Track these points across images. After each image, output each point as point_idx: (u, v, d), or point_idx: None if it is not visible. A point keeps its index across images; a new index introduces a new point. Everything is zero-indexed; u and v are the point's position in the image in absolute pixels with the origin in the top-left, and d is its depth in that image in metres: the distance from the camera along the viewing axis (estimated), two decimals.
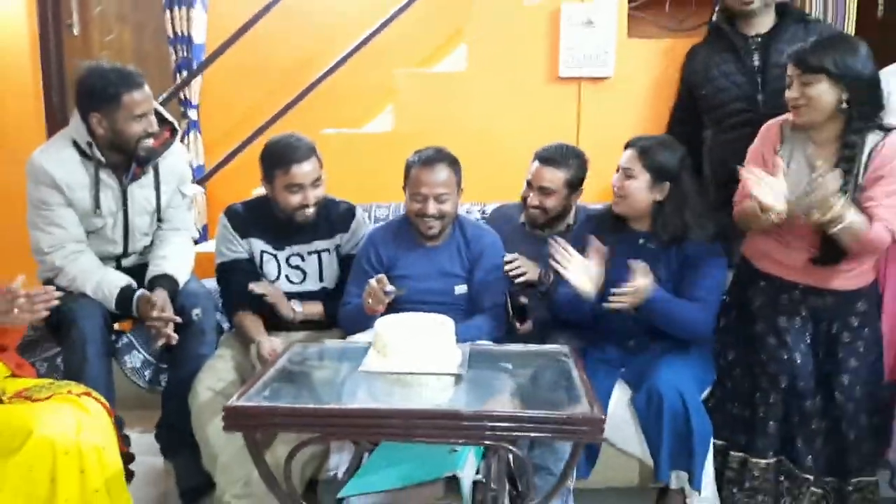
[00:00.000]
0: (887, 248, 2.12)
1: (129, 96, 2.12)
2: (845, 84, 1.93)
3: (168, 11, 3.67)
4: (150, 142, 2.21)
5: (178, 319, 2.15)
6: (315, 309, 2.39)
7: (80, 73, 2.19)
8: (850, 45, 1.96)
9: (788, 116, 2.08)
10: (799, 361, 2.06)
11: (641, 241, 2.25)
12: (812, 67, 1.94)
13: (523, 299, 2.38)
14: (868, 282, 2.12)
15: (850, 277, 2.08)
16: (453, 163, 2.30)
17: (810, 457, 2.06)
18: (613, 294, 2.04)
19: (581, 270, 2.10)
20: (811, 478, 2.06)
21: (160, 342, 2.15)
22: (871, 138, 1.97)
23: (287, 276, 2.40)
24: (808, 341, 2.10)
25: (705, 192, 2.45)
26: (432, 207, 2.25)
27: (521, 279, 2.37)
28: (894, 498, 2.29)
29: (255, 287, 2.28)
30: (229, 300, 2.39)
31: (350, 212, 2.47)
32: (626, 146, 2.27)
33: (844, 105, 1.95)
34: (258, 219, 2.38)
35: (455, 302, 2.32)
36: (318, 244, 2.41)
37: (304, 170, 2.24)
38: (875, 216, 1.93)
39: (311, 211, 2.29)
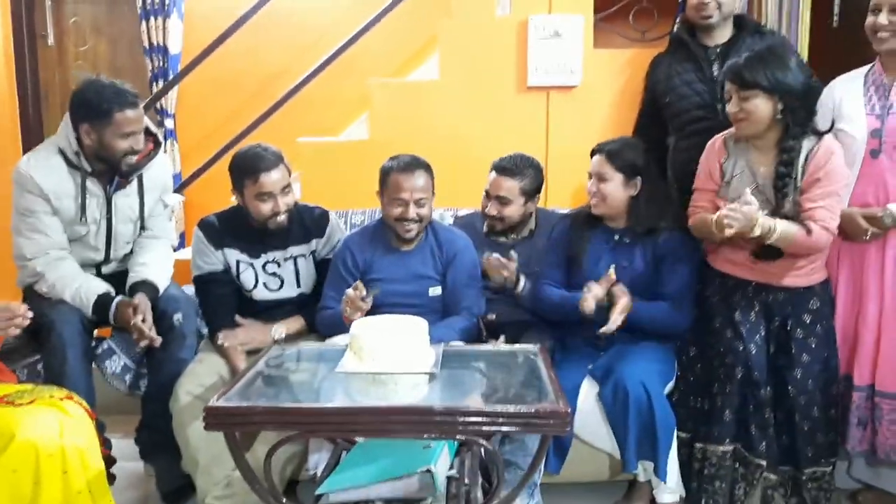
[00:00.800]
0: (839, 247, 2.25)
1: (122, 114, 2.17)
2: (779, 96, 2.07)
3: (144, 22, 3.69)
4: (133, 158, 2.25)
5: (155, 338, 2.18)
6: (296, 325, 2.43)
7: (78, 84, 2.25)
8: (779, 59, 2.09)
9: (732, 130, 2.22)
10: (753, 353, 2.17)
11: (617, 237, 2.38)
12: (747, 83, 2.08)
13: (491, 316, 2.46)
14: (819, 280, 2.23)
15: (800, 275, 2.19)
16: (428, 168, 2.39)
17: (764, 443, 2.15)
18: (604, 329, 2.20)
19: (594, 296, 2.20)
20: (764, 463, 2.15)
21: (143, 343, 2.19)
22: (807, 143, 2.11)
23: (265, 284, 2.44)
24: (763, 334, 2.20)
25: (669, 189, 2.57)
26: (412, 211, 2.32)
27: (498, 278, 2.43)
28: (851, 489, 2.40)
29: (225, 340, 2.29)
30: (208, 314, 2.42)
31: (324, 216, 2.52)
32: (593, 153, 2.39)
33: (780, 116, 2.09)
34: (232, 228, 2.42)
35: (429, 304, 2.39)
36: (294, 250, 2.46)
37: (272, 178, 2.29)
38: (813, 217, 2.06)
39: (282, 218, 2.34)
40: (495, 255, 2.42)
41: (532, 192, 2.56)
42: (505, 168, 2.52)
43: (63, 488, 1.71)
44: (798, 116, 2.09)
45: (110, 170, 2.28)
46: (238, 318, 2.38)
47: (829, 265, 2.29)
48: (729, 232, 2.00)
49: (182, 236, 3.81)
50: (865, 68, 2.29)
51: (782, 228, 2.04)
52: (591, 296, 2.19)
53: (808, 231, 2.05)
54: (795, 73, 2.08)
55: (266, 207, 2.31)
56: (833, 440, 2.24)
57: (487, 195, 2.56)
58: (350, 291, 2.17)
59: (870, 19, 2.18)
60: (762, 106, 2.08)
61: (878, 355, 2.19)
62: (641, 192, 2.33)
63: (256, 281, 2.43)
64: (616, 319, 2.17)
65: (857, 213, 2.17)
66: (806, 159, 2.10)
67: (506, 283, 2.44)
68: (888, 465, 2.27)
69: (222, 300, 2.39)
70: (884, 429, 2.18)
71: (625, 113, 2.97)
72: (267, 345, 2.31)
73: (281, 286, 2.45)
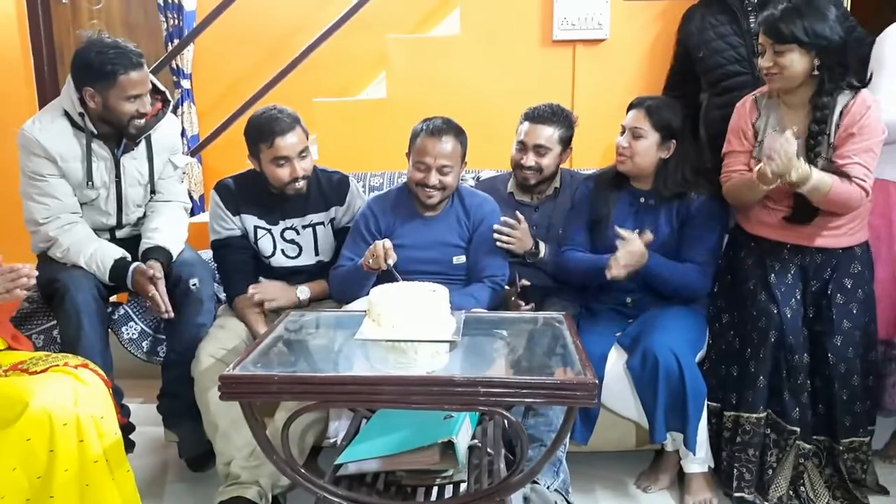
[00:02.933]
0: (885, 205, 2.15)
1: (126, 76, 2.09)
2: (816, 51, 1.96)
3: None
4: (141, 122, 2.18)
5: (168, 310, 2.14)
6: (321, 287, 2.38)
7: (79, 44, 2.17)
8: (818, 11, 1.96)
9: (762, 88, 2.11)
10: (788, 316, 2.08)
11: (642, 199, 2.29)
12: (783, 37, 1.96)
13: (526, 282, 2.38)
14: (858, 241, 2.13)
15: (838, 235, 2.09)
16: (459, 134, 2.29)
17: (797, 409, 2.09)
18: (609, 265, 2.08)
19: (631, 254, 2.09)
20: (797, 430, 2.09)
21: (163, 315, 2.15)
22: (842, 99, 2.00)
23: (283, 251, 2.39)
24: (798, 297, 2.12)
25: (701, 154, 2.46)
26: (434, 178, 2.24)
27: (506, 247, 2.35)
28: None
29: (255, 292, 2.24)
30: (226, 279, 2.37)
31: (344, 183, 2.44)
32: (631, 106, 2.30)
33: (815, 71, 1.98)
34: (250, 194, 2.35)
35: (453, 272, 2.33)
36: (313, 217, 2.39)
37: (288, 141, 2.20)
38: (848, 174, 1.96)
39: (301, 184, 2.27)
40: (502, 220, 2.33)
41: (567, 141, 2.47)
42: (541, 116, 2.42)
43: (79, 457, 1.69)
44: (834, 72, 1.98)
45: (117, 132, 2.21)
46: (262, 278, 2.33)
47: (869, 226, 2.18)
48: (773, 167, 1.88)
49: (201, 199, 3.77)
50: None
51: (818, 176, 1.92)
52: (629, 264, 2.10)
53: (840, 187, 1.94)
54: (834, 26, 1.95)
55: (283, 172, 2.23)
56: (871, 409, 2.17)
57: (522, 147, 2.45)
58: (384, 243, 2.10)
59: None
60: (797, 61, 1.97)
61: None
62: (673, 155, 2.24)
63: (274, 248, 2.38)
64: (622, 257, 2.06)
65: None
66: (840, 114, 1.99)
67: (522, 252, 2.36)
68: None
69: (240, 266, 2.34)
70: None
71: (655, 69, 2.85)
72: (291, 304, 2.29)
73: (299, 253, 2.40)
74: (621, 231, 2.11)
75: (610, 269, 2.09)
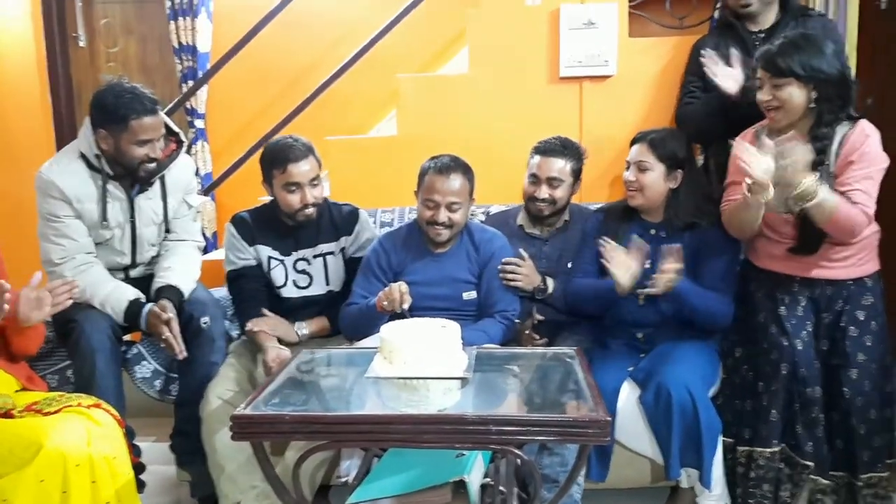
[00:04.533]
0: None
1: (138, 121, 2.14)
2: (814, 84, 1.98)
3: (173, 22, 3.70)
4: (151, 166, 2.24)
5: (181, 351, 2.17)
6: (320, 325, 2.42)
7: (100, 87, 2.23)
8: (814, 45, 1.99)
9: (763, 122, 2.13)
10: (800, 348, 2.07)
11: (653, 231, 2.30)
12: (781, 71, 1.99)
13: (539, 316, 2.39)
14: (868, 272, 2.12)
15: (846, 267, 2.09)
16: (467, 171, 2.32)
17: (811, 444, 2.06)
18: (652, 279, 2.08)
19: (624, 265, 2.12)
20: (811, 464, 2.06)
21: (178, 356, 2.17)
22: (840, 129, 2.02)
23: (294, 282, 2.42)
24: (810, 329, 2.11)
25: (709, 184, 2.46)
26: (443, 215, 2.26)
27: (513, 285, 2.36)
28: None
29: (253, 326, 2.28)
30: (241, 308, 2.40)
31: (353, 214, 2.49)
32: (634, 141, 2.32)
33: (813, 104, 2.00)
34: (264, 225, 2.41)
35: (464, 307, 2.33)
36: (323, 247, 2.43)
37: (301, 168, 2.28)
38: (851, 199, 1.96)
39: (311, 210, 2.33)
40: (505, 260, 2.35)
41: (578, 173, 2.49)
42: (552, 149, 2.45)
43: (92, 498, 1.69)
44: (832, 105, 2.00)
45: (128, 173, 2.26)
46: (264, 311, 2.36)
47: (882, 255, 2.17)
48: (757, 174, 1.89)
49: (214, 236, 3.81)
50: None
51: (826, 193, 1.91)
52: (629, 274, 2.10)
53: (852, 203, 1.94)
54: (831, 60, 1.98)
55: (294, 199, 2.29)
56: (890, 443, 2.12)
57: (535, 179, 2.46)
58: (400, 286, 2.11)
59: None
60: (796, 95, 2.00)
61: None
62: (682, 184, 2.25)
63: (286, 278, 2.42)
64: (668, 271, 2.04)
65: None
66: (840, 144, 2.01)
67: (531, 289, 2.36)
68: None
69: (255, 294, 2.38)
70: None
71: (662, 103, 2.88)
72: (290, 338, 2.32)
73: (310, 283, 2.43)
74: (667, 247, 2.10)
75: (618, 284, 2.11)
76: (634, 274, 2.11)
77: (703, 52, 2.45)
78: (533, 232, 2.55)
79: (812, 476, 2.07)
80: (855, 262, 2.10)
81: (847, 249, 2.07)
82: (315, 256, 2.43)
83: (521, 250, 2.37)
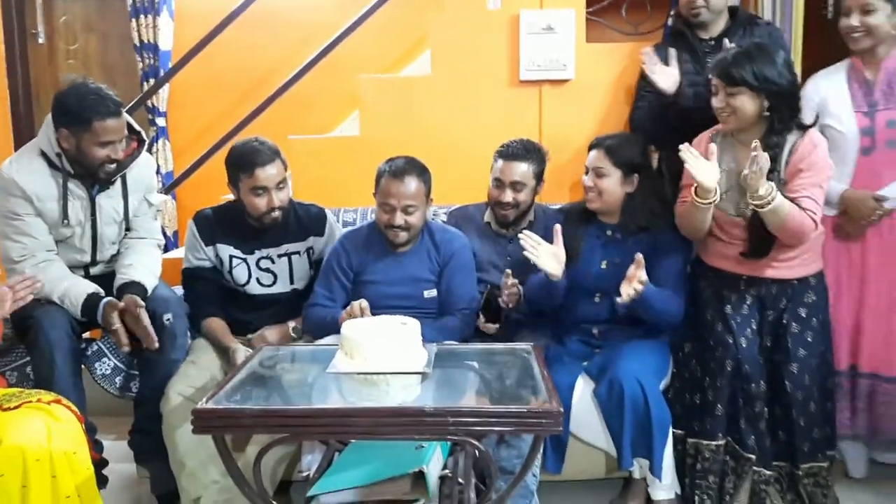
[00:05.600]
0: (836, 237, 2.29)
1: (101, 123, 2.14)
2: (766, 94, 2.07)
3: (134, 20, 3.69)
4: (111, 167, 2.24)
5: (153, 338, 2.17)
6: (282, 333, 2.44)
7: (63, 86, 2.23)
8: (767, 55, 2.09)
9: (717, 126, 2.23)
10: (744, 346, 2.16)
11: (609, 232, 2.37)
12: (734, 80, 2.08)
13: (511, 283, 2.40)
14: (812, 272, 2.22)
15: (792, 267, 2.19)
16: (423, 173, 2.35)
17: (753, 437, 2.15)
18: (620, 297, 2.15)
19: (549, 256, 2.21)
20: (753, 458, 2.15)
21: (126, 349, 2.18)
22: (791, 137, 2.12)
23: (258, 279, 2.44)
24: (755, 327, 2.20)
25: (663, 188, 2.54)
26: (399, 218, 2.30)
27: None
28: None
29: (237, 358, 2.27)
30: (195, 307, 2.42)
31: (322, 214, 2.53)
32: (591, 147, 2.38)
33: (765, 112, 2.10)
34: (227, 223, 2.43)
35: (424, 305, 2.38)
36: (289, 247, 2.46)
37: (267, 173, 2.29)
38: (800, 206, 2.06)
39: (277, 214, 2.35)
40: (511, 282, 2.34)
41: (541, 175, 2.55)
42: (515, 153, 2.49)
43: (52, 493, 1.70)
44: (783, 114, 2.10)
45: (88, 173, 2.26)
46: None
47: (825, 258, 2.29)
48: (709, 199, 2.04)
49: (175, 235, 3.80)
50: (845, 64, 2.35)
51: (781, 199, 2.02)
52: (556, 262, 2.21)
53: (802, 209, 2.05)
54: (783, 71, 2.09)
55: (261, 202, 2.31)
56: (829, 435, 2.23)
57: (500, 184, 2.51)
58: (357, 305, 2.15)
59: (843, 21, 2.25)
60: (748, 103, 2.09)
61: (879, 342, 2.23)
62: (638, 189, 2.32)
63: (249, 276, 2.44)
64: (633, 280, 2.10)
65: (867, 193, 2.20)
66: (790, 152, 2.11)
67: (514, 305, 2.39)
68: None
69: (207, 295, 2.42)
70: (880, 411, 2.24)
71: (619, 107, 2.96)
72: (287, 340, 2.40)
73: (274, 282, 2.45)
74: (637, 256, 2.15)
75: (550, 274, 2.20)
76: (560, 259, 2.21)
77: (642, 51, 2.54)
78: (500, 231, 2.60)
79: (755, 467, 2.15)
80: (800, 262, 2.20)
81: (794, 251, 2.17)
82: (280, 256, 2.45)
83: (508, 270, 2.34)
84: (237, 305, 2.44)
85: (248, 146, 2.33)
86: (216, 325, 2.37)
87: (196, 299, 2.43)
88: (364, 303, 2.16)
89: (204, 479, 2.07)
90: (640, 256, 2.12)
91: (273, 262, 2.44)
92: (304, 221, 2.48)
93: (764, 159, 1.98)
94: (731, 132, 2.19)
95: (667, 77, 2.48)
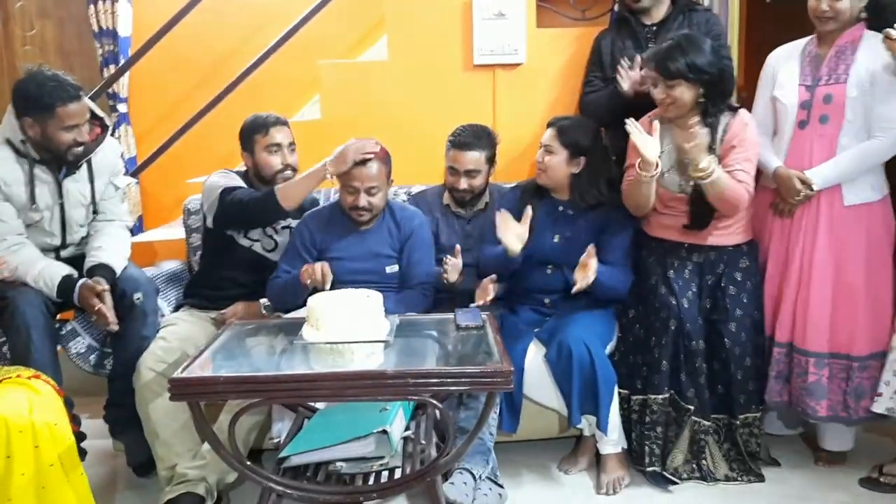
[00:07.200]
0: (770, 212, 2.45)
1: (64, 108, 2.21)
2: (700, 83, 2.26)
3: (92, 6, 3.65)
4: (78, 150, 2.30)
5: (114, 321, 2.24)
6: (252, 310, 2.56)
7: (22, 76, 2.28)
8: (697, 46, 2.26)
9: (657, 110, 2.40)
10: (686, 307, 2.34)
11: (561, 208, 2.51)
12: (671, 73, 2.25)
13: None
14: (745, 240, 2.42)
15: (727, 234, 2.39)
16: (384, 157, 2.47)
17: (693, 390, 2.33)
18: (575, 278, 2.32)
19: (514, 234, 2.36)
20: (692, 408, 2.33)
21: (109, 328, 2.25)
22: (723, 118, 2.32)
23: (261, 243, 2.61)
24: (695, 290, 2.38)
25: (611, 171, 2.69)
26: (363, 200, 2.42)
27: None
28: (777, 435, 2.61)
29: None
30: (254, 197, 2.45)
31: (316, 201, 2.74)
32: (548, 125, 2.53)
33: (701, 99, 2.29)
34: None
35: (387, 280, 2.49)
36: (291, 221, 2.64)
37: (282, 132, 2.55)
38: (735, 179, 2.26)
39: (289, 174, 2.54)
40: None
41: (493, 158, 2.68)
42: (466, 143, 2.61)
43: (35, 462, 1.77)
44: (716, 98, 2.29)
45: (56, 158, 2.32)
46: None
47: (760, 229, 2.47)
48: (652, 172, 2.22)
49: (140, 220, 3.83)
50: (805, 40, 2.44)
51: (721, 173, 2.22)
52: (518, 241, 2.35)
53: (738, 181, 2.24)
54: (712, 59, 2.26)
55: (276, 160, 2.53)
56: (761, 388, 2.42)
57: (453, 171, 2.65)
58: (322, 267, 2.27)
59: (811, 3, 2.32)
60: (686, 93, 2.28)
61: (796, 314, 2.37)
62: (584, 170, 2.46)
63: (253, 240, 2.61)
64: (589, 267, 2.27)
65: (795, 174, 2.33)
66: (724, 131, 2.30)
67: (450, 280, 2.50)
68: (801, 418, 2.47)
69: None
70: (796, 383, 2.36)
71: (568, 90, 3.08)
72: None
73: (274, 248, 2.62)
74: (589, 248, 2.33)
75: (509, 250, 2.35)
76: (523, 239, 2.36)
77: (622, 61, 2.67)
78: (458, 211, 2.74)
79: (695, 418, 2.34)
80: (735, 231, 2.39)
81: (729, 220, 2.36)
82: (283, 228, 2.63)
83: (458, 247, 2.47)
84: (243, 259, 2.57)
85: (261, 114, 2.59)
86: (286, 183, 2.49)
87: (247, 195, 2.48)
88: (326, 266, 2.28)
89: (178, 448, 2.18)
90: (591, 248, 2.30)
91: (276, 231, 2.62)
92: (305, 205, 2.64)
93: (704, 134, 2.17)
94: (670, 118, 2.36)
95: (630, 82, 2.63)
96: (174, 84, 3.80)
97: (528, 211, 2.37)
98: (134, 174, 3.66)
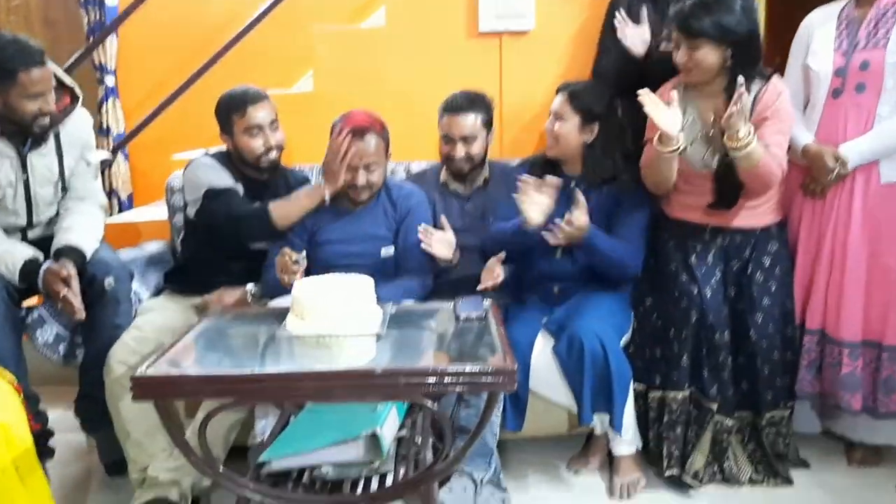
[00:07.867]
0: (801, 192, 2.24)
1: (27, 74, 2.03)
2: (727, 44, 2.03)
3: None
4: (45, 120, 2.13)
5: (79, 310, 2.06)
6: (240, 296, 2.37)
7: None
8: (724, 3, 2.03)
9: (680, 77, 2.17)
10: (708, 296, 2.15)
11: (572, 184, 2.32)
12: (693, 32, 2.03)
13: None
14: (775, 220, 2.21)
15: (756, 216, 2.17)
16: (382, 132, 2.30)
17: (716, 386, 2.15)
18: (554, 226, 2.11)
19: (535, 201, 2.15)
20: (714, 407, 2.14)
21: (75, 317, 2.08)
22: (754, 86, 2.08)
23: None
24: (719, 277, 2.18)
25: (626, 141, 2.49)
26: (362, 178, 2.26)
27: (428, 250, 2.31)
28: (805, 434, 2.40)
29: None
30: (243, 209, 2.29)
31: (307, 180, 2.55)
32: (557, 91, 2.34)
33: (728, 63, 2.05)
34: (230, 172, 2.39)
35: (381, 264, 2.32)
36: None
37: (260, 111, 2.31)
38: (767, 153, 2.02)
39: (275, 155, 2.35)
40: (423, 228, 2.31)
41: (489, 124, 2.49)
42: (460, 106, 2.43)
43: None
44: (745, 63, 2.05)
45: (22, 130, 2.14)
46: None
47: (789, 210, 2.27)
48: (664, 125, 1.98)
49: (130, 198, 3.67)
50: (843, 2, 2.23)
51: (757, 145, 1.99)
52: (540, 211, 2.14)
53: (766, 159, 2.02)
54: (741, 19, 2.03)
55: (257, 143, 2.31)
56: (791, 384, 2.24)
57: (449, 140, 2.45)
58: (278, 258, 2.11)
59: None
60: (710, 55, 2.05)
61: (828, 300, 2.18)
62: (597, 140, 2.28)
63: None
64: (571, 224, 2.08)
65: (827, 150, 2.13)
66: (754, 101, 2.07)
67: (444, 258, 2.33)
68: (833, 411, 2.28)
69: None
70: (828, 373, 2.19)
71: (581, 58, 2.87)
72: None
73: None
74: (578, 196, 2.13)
75: (554, 235, 2.12)
76: (545, 210, 2.14)
77: (616, 13, 2.46)
78: (456, 189, 2.55)
79: (717, 416, 2.15)
80: (765, 210, 2.19)
81: (758, 199, 2.15)
82: None
83: (443, 217, 2.34)
84: (218, 246, 2.37)
85: (237, 90, 2.34)
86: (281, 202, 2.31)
87: (240, 207, 2.30)
88: (294, 255, 2.10)
89: (151, 448, 2.03)
90: (581, 198, 2.10)
91: None
92: (292, 184, 2.48)
93: (747, 99, 1.95)
94: (693, 84, 2.14)
95: (639, 40, 2.41)
96: (164, 56, 3.64)
97: (552, 179, 2.16)
98: (122, 145, 3.52)
